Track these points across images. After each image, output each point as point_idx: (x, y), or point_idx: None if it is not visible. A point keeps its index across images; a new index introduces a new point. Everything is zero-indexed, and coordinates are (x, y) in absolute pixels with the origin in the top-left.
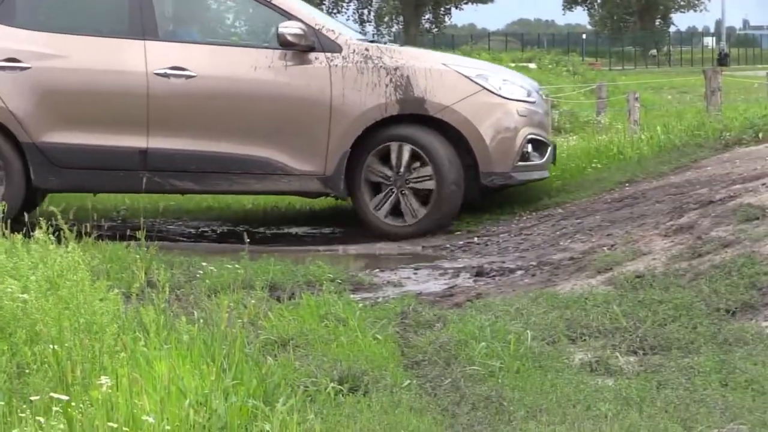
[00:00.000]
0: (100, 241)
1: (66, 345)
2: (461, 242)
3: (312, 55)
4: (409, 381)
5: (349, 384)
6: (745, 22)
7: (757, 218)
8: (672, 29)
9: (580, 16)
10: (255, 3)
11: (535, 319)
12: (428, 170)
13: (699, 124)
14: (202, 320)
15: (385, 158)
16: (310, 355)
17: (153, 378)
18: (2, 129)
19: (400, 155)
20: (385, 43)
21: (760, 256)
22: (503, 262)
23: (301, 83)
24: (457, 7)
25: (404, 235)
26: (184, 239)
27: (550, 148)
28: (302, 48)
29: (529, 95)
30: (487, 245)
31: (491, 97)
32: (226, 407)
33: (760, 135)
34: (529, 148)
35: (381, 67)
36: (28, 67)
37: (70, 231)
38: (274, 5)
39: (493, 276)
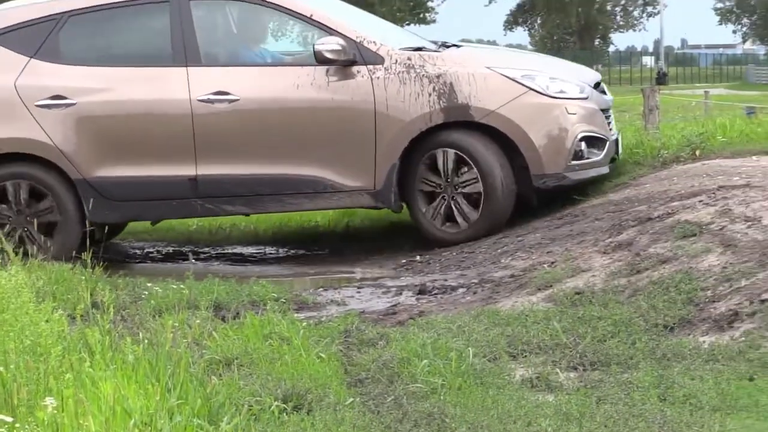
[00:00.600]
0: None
1: (11, 367)
2: (404, 260)
3: (354, 69)
4: (352, 399)
5: (293, 402)
6: (684, 42)
7: (695, 235)
8: (611, 49)
9: (521, 36)
10: (294, 20)
11: (476, 336)
12: (474, 173)
13: (637, 142)
14: (146, 341)
15: (434, 166)
16: (255, 374)
17: (98, 398)
18: (53, 167)
19: (446, 162)
20: (439, 49)
21: (698, 272)
22: (445, 280)
23: (344, 98)
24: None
25: (460, 240)
26: (130, 260)
27: (608, 144)
28: (342, 63)
29: (581, 92)
30: (429, 263)
31: (538, 97)
32: (171, 427)
33: (697, 153)
34: (583, 146)
35: (423, 75)
36: (74, 103)
37: (15, 253)
38: (314, 20)
39: (436, 294)
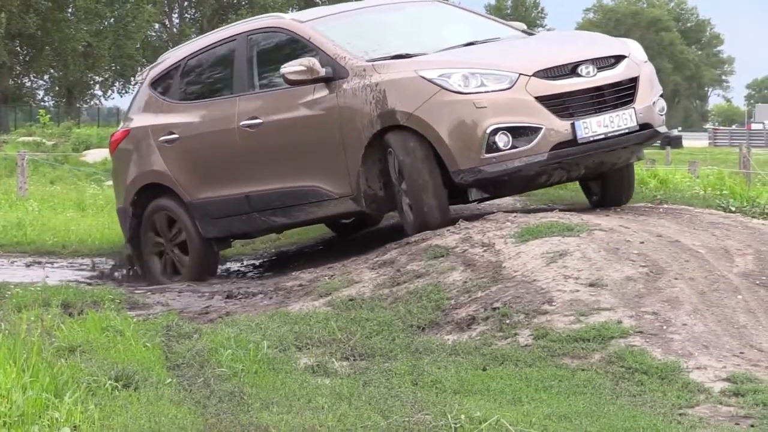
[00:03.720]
0: None
1: None
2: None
3: (333, 84)
4: (170, 379)
5: (123, 381)
6: None
7: (443, 256)
8: None
9: None
10: (296, 43)
11: (270, 331)
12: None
13: None
14: (7, 331)
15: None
16: (93, 359)
17: None
18: (172, 192)
19: (394, 164)
20: (403, 56)
21: (444, 285)
22: (248, 288)
23: (321, 113)
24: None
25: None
26: None
27: (543, 131)
28: (311, 82)
29: (509, 82)
30: (235, 275)
31: (448, 95)
32: (24, 399)
33: None
34: (498, 138)
35: (367, 85)
36: (178, 137)
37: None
38: (309, 42)
39: (240, 298)
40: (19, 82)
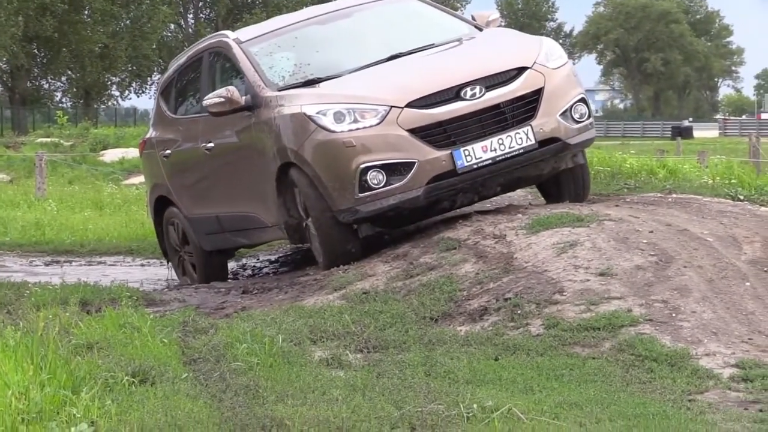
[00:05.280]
0: None
1: None
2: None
3: (252, 114)
4: (186, 374)
5: (140, 377)
6: None
7: (455, 248)
8: None
9: None
10: (232, 64)
11: (285, 325)
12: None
13: None
14: (25, 329)
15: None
16: (111, 355)
17: None
18: (175, 205)
19: (297, 196)
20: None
21: (456, 276)
22: (264, 283)
23: (244, 143)
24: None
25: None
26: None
27: (417, 165)
28: (230, 112)
29: (371, 116)
30: (251, 272)
31: (323, 133)
32: (42, 396)
33: None
34: (370, 176)
35: (270, 118)
36: (171, 153)
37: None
38: (235, 62)
39: (256, 293)
40: (37, 84)
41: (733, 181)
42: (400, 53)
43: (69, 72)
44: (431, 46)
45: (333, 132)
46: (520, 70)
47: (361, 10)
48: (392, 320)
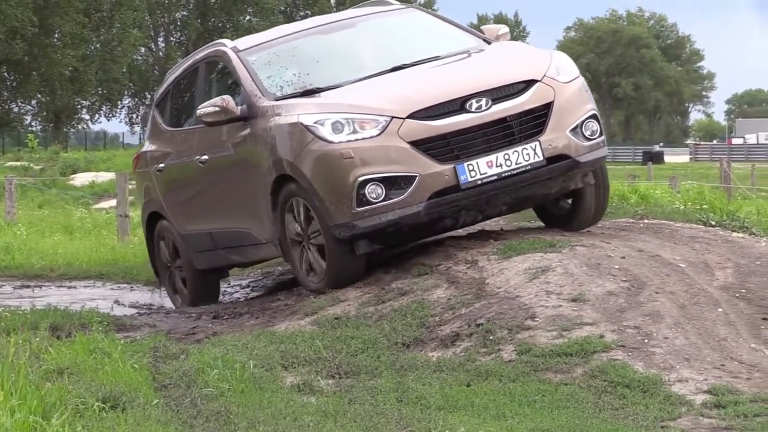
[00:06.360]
0: None
1: None
2: None
3: (247, 124)
4: (157, 400)
5: (111, 402)
6: None
7: (427, 273)
8: None
9: None
10: (230, 73)
11: (257, 351)
12: (317, 225)
13: None
14: None
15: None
16: (81, 381)
17: None
18: (168, 221)
19: (300, 211)
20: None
21: (428, 302)
22: (235, 308)
23: (239, 155)
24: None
25: (320, 289)
26: None
27: (418, 179)
28: (225, 122)
29: (371, 127)
30: (222, 295)
31: (320, 144)
32: (12, 422)
33: None
34: (369, 190)
35: (266, 128)
36: (164, 167)
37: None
38: (232, 71)
39: (227, 319)
40: (7, 107)
41: (704, 206)
42: (404, 64)
43: (39, 95)
44: (437, 57)
45: (330, 143)
46: (529, 83)
47: (364, 20)
48: (364, 346)
